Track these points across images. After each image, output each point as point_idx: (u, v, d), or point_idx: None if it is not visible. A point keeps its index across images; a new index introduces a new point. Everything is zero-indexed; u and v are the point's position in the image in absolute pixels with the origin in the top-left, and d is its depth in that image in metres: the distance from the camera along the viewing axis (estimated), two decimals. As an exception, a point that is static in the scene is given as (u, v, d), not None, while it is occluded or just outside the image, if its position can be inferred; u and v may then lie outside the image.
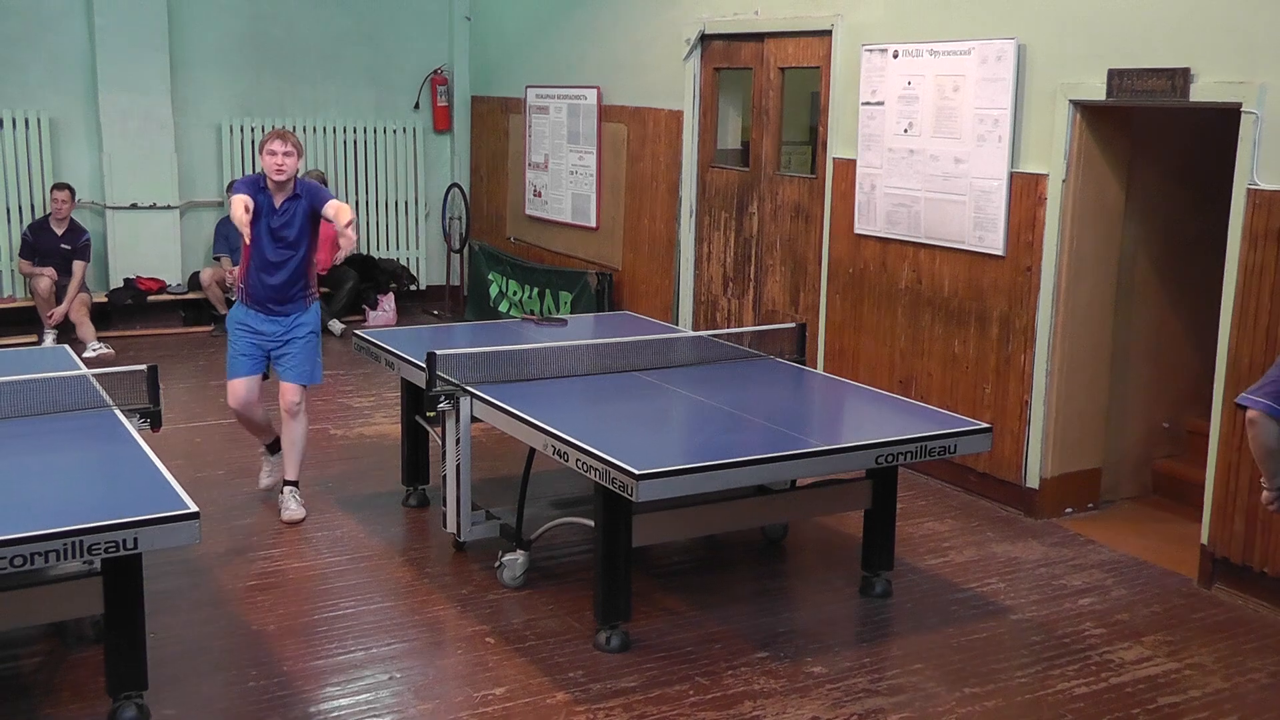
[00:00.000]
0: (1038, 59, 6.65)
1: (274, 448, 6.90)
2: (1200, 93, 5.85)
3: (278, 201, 6.37)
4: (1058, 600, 5.80)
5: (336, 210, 6.23)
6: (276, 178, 6.32)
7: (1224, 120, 5.89)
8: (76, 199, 10.85)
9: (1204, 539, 5.98)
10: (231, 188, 6.30)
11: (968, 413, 6.60)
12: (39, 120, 11.01)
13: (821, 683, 4.90)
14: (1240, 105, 5.67)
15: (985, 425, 5.53)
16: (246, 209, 6.09)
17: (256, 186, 6.34)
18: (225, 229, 11.31)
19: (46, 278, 10.49)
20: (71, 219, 10.71)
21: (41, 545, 3.90)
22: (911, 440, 5.23)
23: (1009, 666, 5.12)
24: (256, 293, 6.52)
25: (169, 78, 11.34)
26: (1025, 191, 6.75)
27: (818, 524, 6.63)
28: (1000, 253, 6.90)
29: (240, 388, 6.61)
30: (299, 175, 6.43)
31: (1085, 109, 6.49)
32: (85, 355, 9.86)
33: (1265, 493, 4.02)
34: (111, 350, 10.32)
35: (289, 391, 6.63)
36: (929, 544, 6.45)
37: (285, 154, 6.29)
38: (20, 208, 11.04)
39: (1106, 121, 6.57)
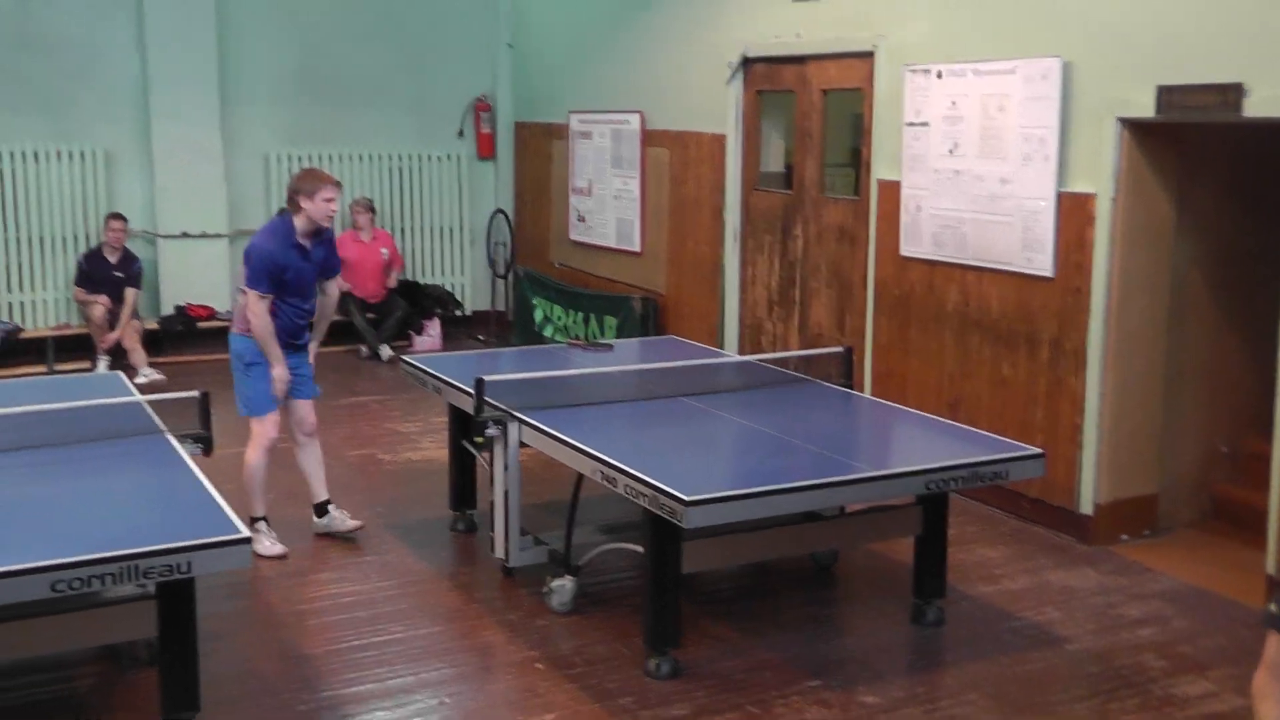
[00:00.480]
0: (1084, 76, 6.60)
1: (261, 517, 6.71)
2: (1253, 108, 5.78)
3: (309, 244, 6.40)
4: (1115, 630, 5.70)
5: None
6: (327, 225, 6.43)
7: (1277, 135, 5.82)
8: (129, 228, 10.98)
9: (1269, 567, 5.85)
10: (266, 255, 6.27)
11: (1018, 437, 6.53)
12: (93, 153, 11.22)
13: (875, 713, 4.84)
14: (1294, 122, 5.61)
15: (1038, 450, 5.47)
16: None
17: (287, 242, 6.32)
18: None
19: (100, 305, 10.62)
20: (125, 247, 10.85)
21: (97, 569, 3.94)
22: (963, 466, 5.19)
23: (1066, 699, 5.03)
24: (289, 328, 6.50)
25: (219, 110, 11.52)
26: (1073, 211, 6.70)
27: (868, 550, 6.58)
28: (1049, 274, 6.84)
29: (277, 419, 6.62)
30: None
31: (1134, 126, 6.44)
32: (137, 381, 9.92)
33: None
34: (163, 376, 10.41)
35: (308, 410, 6.74)
36: (981, 571, 6.37)
37: (336, 202, 6.41)
38: (75, 237, 11.22)
39: (1156, 139, 6.51)
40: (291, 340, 6.54)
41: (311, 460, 6.74)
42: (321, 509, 6.74)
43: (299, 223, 6.33)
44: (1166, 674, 5.25)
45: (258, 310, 6.25)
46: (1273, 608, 3.26)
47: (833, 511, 5.78)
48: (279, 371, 6.42)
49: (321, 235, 6.48)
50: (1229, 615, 5.87)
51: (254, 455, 6.56)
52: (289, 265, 6.30)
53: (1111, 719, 4.87)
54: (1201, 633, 5.68)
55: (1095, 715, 4.90)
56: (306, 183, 6.34)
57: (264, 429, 6.56)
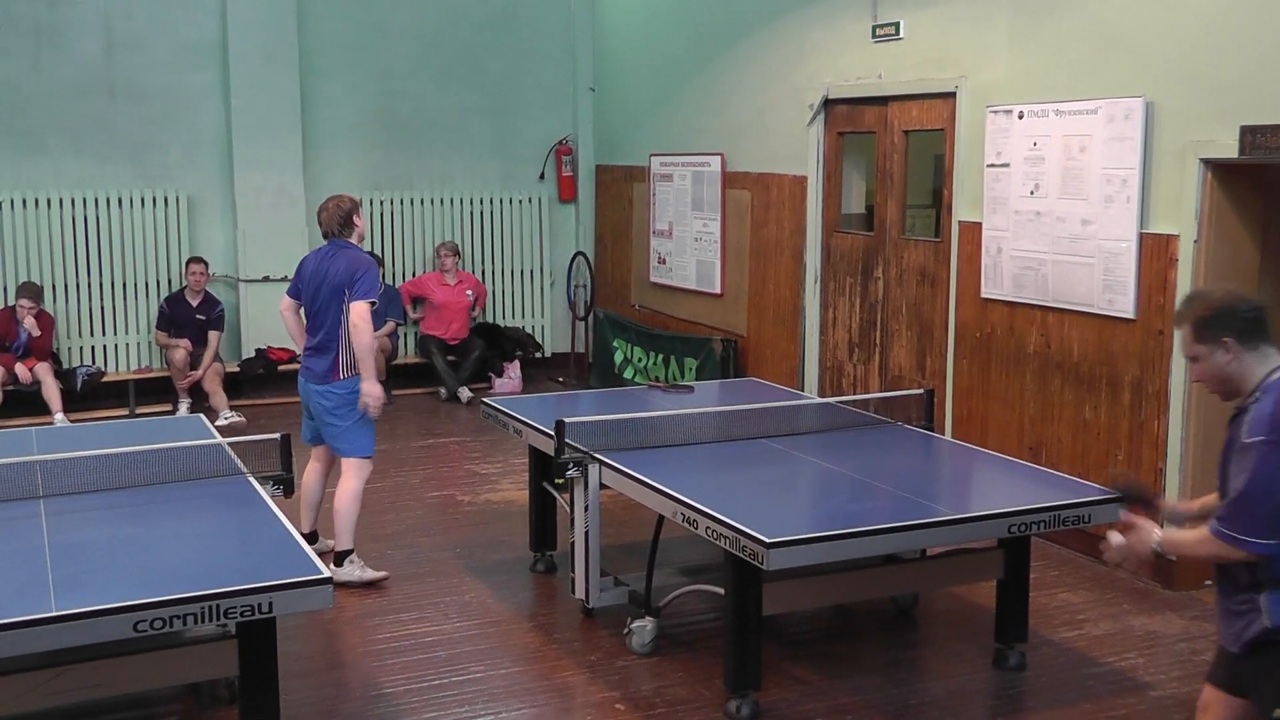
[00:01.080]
0: (1166, 117, 6.55)
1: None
2: (1340, 149, 5.71)
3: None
4: (1199, 677, 5.52)
5: None
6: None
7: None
8: (211, 272, 11.19)
9: (1353, 609, 5.75)
10: (375, 265, 6.79)
11: (1100, 480, 6.45)
12: (177, 198, 11.39)
13: (954, 754, 4.80)
14: (1382, 161, 5.52)
15: (1119, 494, 5.39)
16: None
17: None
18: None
19: (182, 349, 10.80)
20: (206, 291, 11.05)
21: (179, 609, 3.99)
22: (1044, 509, 5.14)
23: (1151, 741, 4.97)
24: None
25: (301, 155, 11.68)
26: (1155, 252, 6.63)
27: (949, 594, 6.51)
28: (1131, 315, 6.77)
29: None
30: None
31: (1216, 167, 6.37)
32: (218, 423, 10.10)
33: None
34: (243, 418, 10.55)
35: None
36: (1063, 615, 6.29)
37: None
38: (158, 282, 11.40)
39: (1239, 179, 6.44)
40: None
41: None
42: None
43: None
44: None
45: (369, 320, 6.56)
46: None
47: (914, 554, 5.74)
48: (376, 388, 6.67)
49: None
50: (1318, 662, 5.76)
51: (358, 490, 6.75)
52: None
53: (1197, 767, 4.79)
54: (1289, 679, 5.57)
55: (1181, 763, 4.83)
56: (349, 203, 6.78)
57: (368, 466, 6.86)
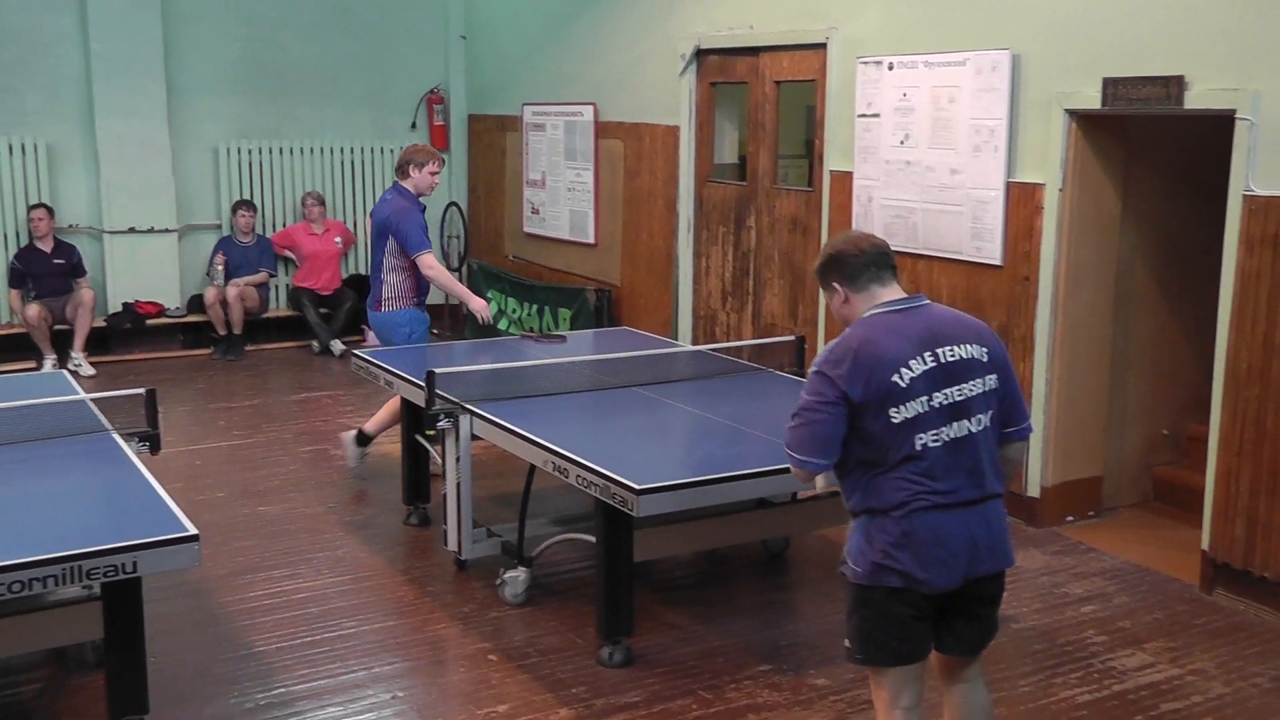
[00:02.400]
0: (1032, 69, 6.66)
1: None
2: (1195, 100, 5.85)
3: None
4: (1060, 608, 5.80)
5: None
6: (428, 193, 7.44)
7: (1219, 127, 5.90)
8: (73, 223, 10.94)
9: (1205, 545, 5.98)
10: (417, 215, 7.31)
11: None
12: (35, 146, 11.01)
13: (825, 694, 4.89)
14: (1235, 112, 5.68)
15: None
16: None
17: (417, 205, 7.36)
18: (227, 249, 11.39)
19: (35, 305, 10.51)
20: (56, 237, 10.73)
21: (41, 570, 3.89)
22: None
23: (1012, 675, 5.11)
24: (424, 286, 7.43)
25: (165, 102, 11.36)
26: (1022, 201, 6.76)
27: (819, 536, 6.62)
28: (998, 262, 6.90)
29: None
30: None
31: (1081, 118, 6.50)
32: (71, 365, 10.23)
33: None
34: (94, 370, 10.46)
35: None
36: (931, 555, 6.43)
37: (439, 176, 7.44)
38: (18, 235, 11.03)
39: (1102, 130, 6.58)
40: (421, 298, 7.46)
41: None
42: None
43: (413, 192, 7.33)
44: (1107, 648, 5.38)
45: (436, 264, 7.30)
46: (846, 643, 3.71)
47: (784, 498, 5.80)
48: (481, 303, 7.48)
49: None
50: (1167, 591, 6.02)
51: (398, 404, 7.05)
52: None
53: (1054, 693, 4.96)
54: (1140, 608, 5.82)
55: (1039, 690, 4.99)
56: (419, 155, 7.36)
57: None
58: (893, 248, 7.25)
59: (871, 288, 3.73)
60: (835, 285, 3.81)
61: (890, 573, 3.57)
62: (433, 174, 7.32)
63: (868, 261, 3.73)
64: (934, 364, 3.57)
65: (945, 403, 3.57)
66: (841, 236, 3.92)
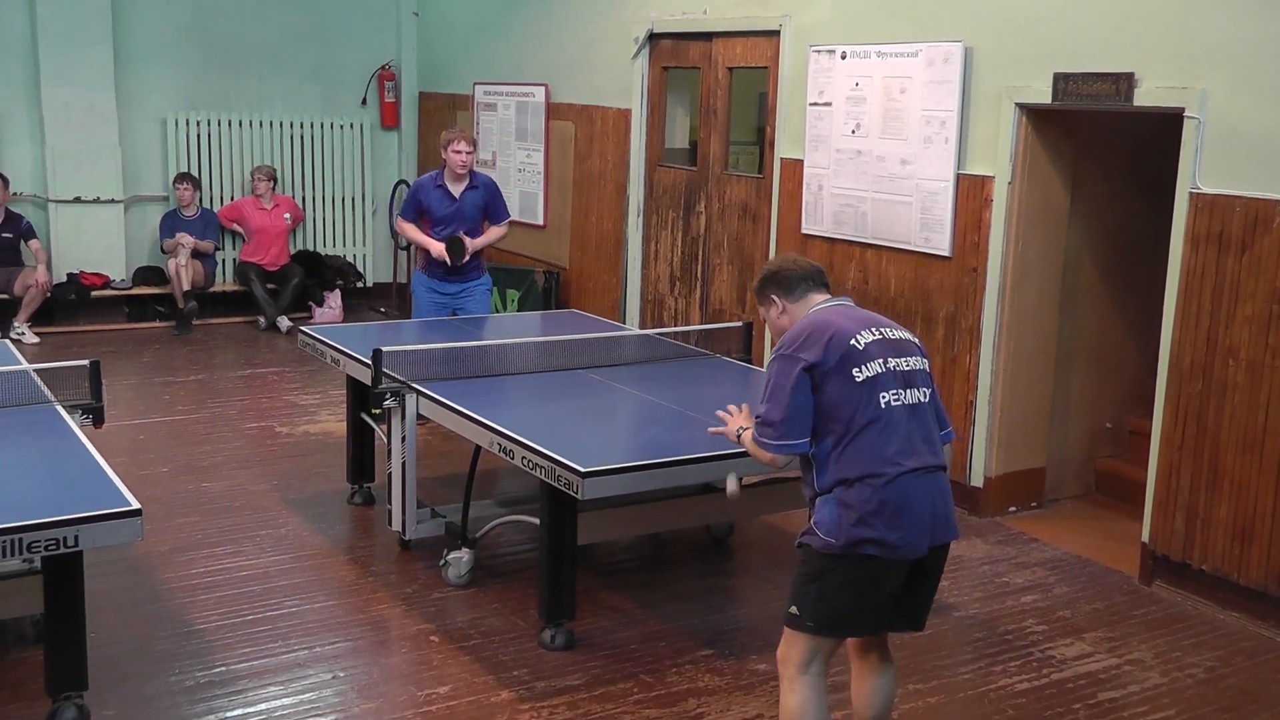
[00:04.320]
0: (984, 62, 6.70)
1: None
2: (1144, 97, 5.91)
3: (456, 189, 7.75)
4: (1001, 598, 5.85)
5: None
6: (461, 172, 7.72)
7: (1167, 125, 5.96)
8: (17, 191, 10.78)
9: (1145, 537, 6.06)
10: (413, 187, 8.00)
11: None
12: (-22, 113, 10.85)
13: (766, 680, 4.91)
14: (1183, 110, 5.73)
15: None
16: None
17: (432, 183, 7.81)
18: (172, 223, 11.30)
19: None
20: (6, 208, 10.58)
21: (-20, 543, 3.83)
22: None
23: (952, 663, 5.16)
24: (434, 263, 7.77)
25: (112, 70, 11.21)
26: (971, 193, 6.80)
27: (763, 522, 6.65)
28: (946, 254, 6.94)
29: None
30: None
31: (1031, 112, 6.55)
32: (13, 335, 10.13)
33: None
34: (37, 339, 10.35)
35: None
36: (874, 542, 6.47)
37: (469, 152, 7.69)
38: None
39: (1052, 125, 6.63)
40: (450, 274, 7.77)
41: None
42: None
43: (446, 171, 7.73)
44: (1047, 637, 5.43)
45: (400, 228, 8.04)
46: (793, 609, 3.77)
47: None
48: (439, 246, 7.69)
49: (474, 183, 7.79)
50: (1106, 582, 6.09)
51: None
52: (430, 203, 7.74)
53: (994, 681, 5.01)
54: (1080, 598, 5.88)
55: (979, 678, 5.03)
56: (443, 137, 7.77)
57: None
58: (842, 236, 7.33)
59: (809, 295, 3.95)
60: (773, 298, 4.01)
61: (867, 541, 3.65)
62: (455, 151, 7.62)
63: (804, 275, 3.97)
64: (880, 336, 3.79)
65: (898, 369, 3.76)
66: (778, 257, 4.16)
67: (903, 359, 3.78)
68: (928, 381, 3.85)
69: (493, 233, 7.99)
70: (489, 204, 7.91)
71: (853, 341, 3.71)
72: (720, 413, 4.31)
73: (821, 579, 3.74)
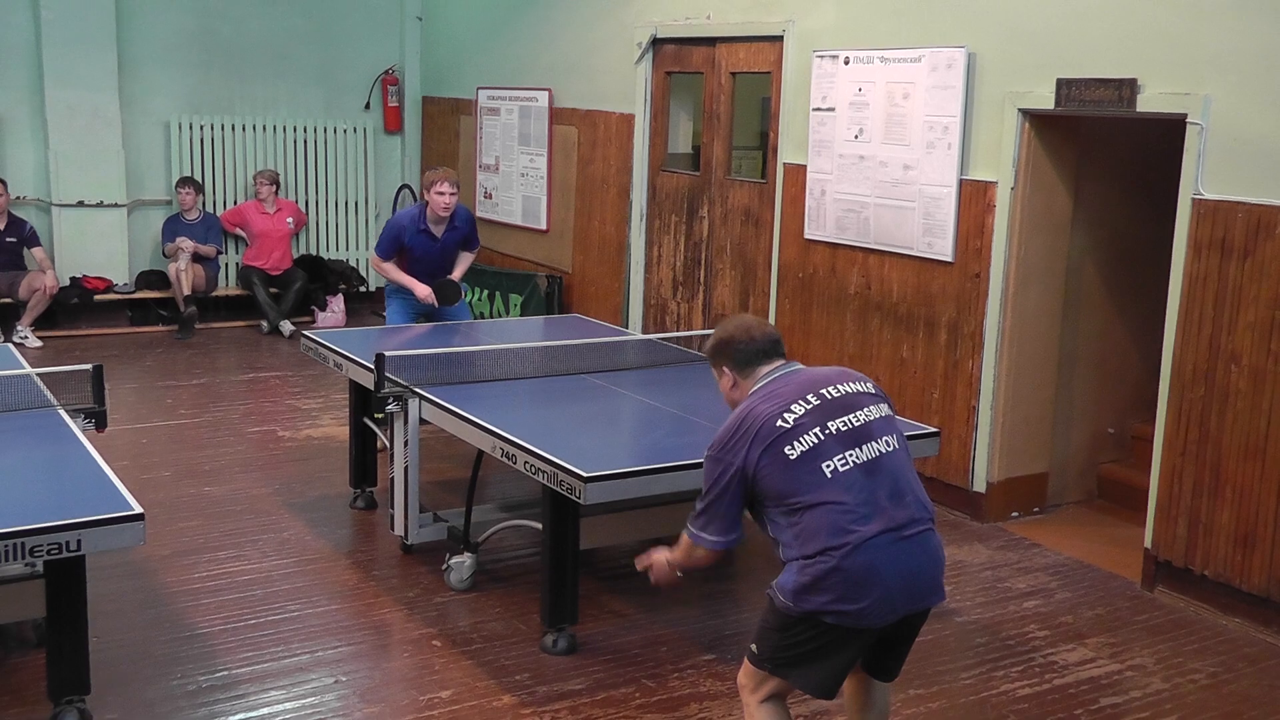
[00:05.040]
0: (987, 68, 6.70)
1: None
2: (1147, 103, 5.91)
3: (438, 230, 7.68)
4: (1003, 603, 5.85)
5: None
6: (444, 214, 7.62)
7: (1170, 131, 5.96)
8: (20, 195, 10.80)
9: (1147, 542, 6.05)
10: (392, 224, 7.79)
11: (915, 417, 6.65)
12: (-18, 116, 10.87)
13: (768, 686, 4.91)
14: (1185, 116, 5.74)
15: (933, 430, 5.57)
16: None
17: (415, 225, 7.64)
18: (174, 227, 11.30)
19: None
20: (9, 212, 10.59)
21: (-18, 547, 3.83)
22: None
23: (954, 668, 5.16)
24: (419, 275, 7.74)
25: (116, 74, 11.23)
26: (974, 199, 6.80)
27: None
28: (949, 259, 6.94)
29: None
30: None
31: (1034, 118, 6.55)
32: (16, 339, 10.17)
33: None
34: (40, 342, 10.36)
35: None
36: (876, 548, 6.46)
37: (452, 194, 7.59)
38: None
39: (1055, 130, 6.63)
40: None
41: None
42: None
43: (428, 211, 7.61)
44: (1049, 643, 5.43)
45: (378, 267, 7.75)
46: (753, 648, 3.70)
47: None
48: (424, 290, 7.68)
49: (454, 222, 7.70)
50: (1108, 588, 6.09)
51: None
52: (413, 244, 7.64)
53: (995, 686, 5.01)
54: (1082, 604, 5.88)
55: (981, 683, 5.03)
56: (425, 178, 7.67)
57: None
58: (844, 241, 7.34)
59: (757, 369, 3.82)
60: (725, 370, 3.91)
61: (825, 612, 3.53)
62: (439, 193, 7.52)
63: (757, 350, 3.83)
64: (818, 401, 3.65)
65: (843, 429, 3.61)
66: (735, 322, 3.94)
67: (847, 415, 3.64)
68: (890, 428, 3.70)
69: (465, 260, 7.99)
70: (466, 239, 7.90)
71: (779, 423, 3.58)
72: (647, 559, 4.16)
73: (781, 633, 3.65)
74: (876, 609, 3.52)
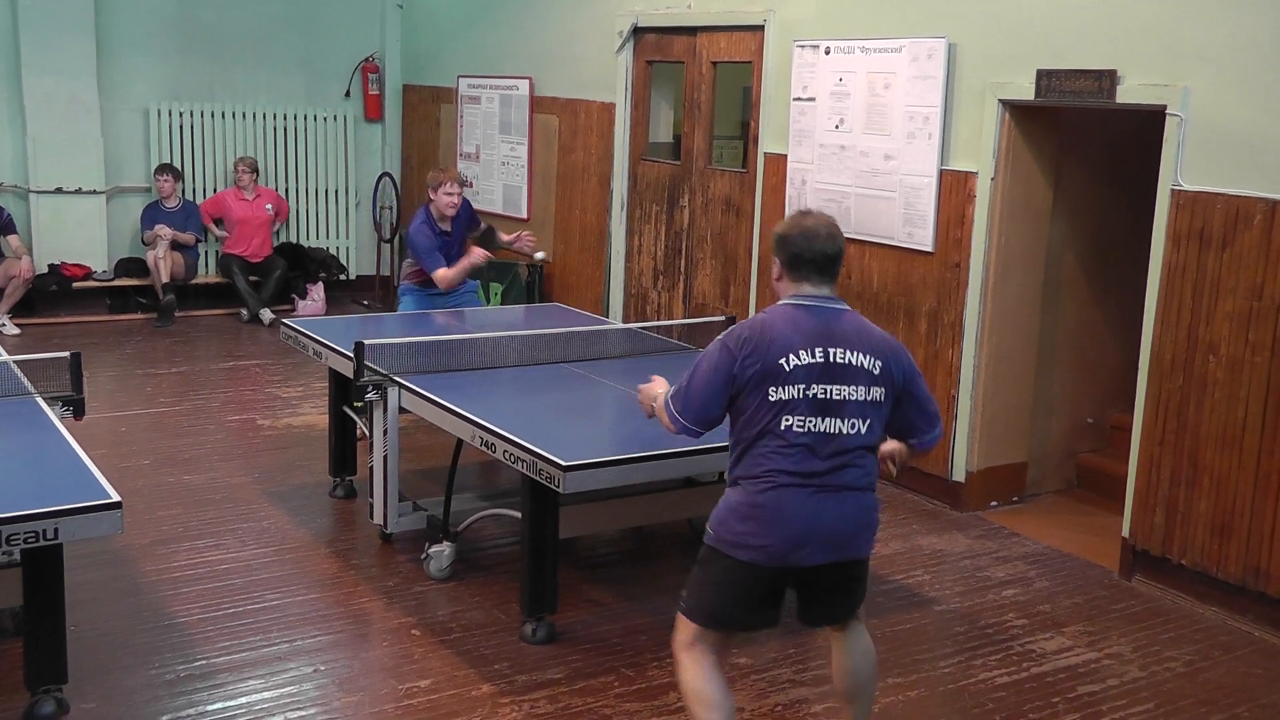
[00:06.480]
0: (968, 58, 6.71)
1: None
2: (1126, 94, 5.93)
3: (448, 226, 7.66)
4: (981, 592, 5.87)
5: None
6: (450, 213, 7.62)
7: (1149, 122, 5.98)
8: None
9: (1125, 531, 6.08)
10: (426, 236, 7.62)
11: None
12: (-42, 102, 10.79)
13: (746, 674, 4.92)
14: (1165, 107, 5.76)
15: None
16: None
17: (434, 228, 7.61)
18: (153, 215, 11.25)
19: None
20: None
21: (-42, 535, 3.81)
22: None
23: (933, 657, 5.18)
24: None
25: (95, 60, 11.15)
26: (954, 189, 6.82)
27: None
28: (929, 249, 6.96)
29: None
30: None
31: (1014, 108, 6.56)
32: None
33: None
34: (18, 330, 10.30)
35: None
36: (855, 537, 6.48)
37: (459, 194, 7.65)
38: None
39: (1035, 121, 6.65)
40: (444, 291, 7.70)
41: None
42: None
43: (434, 211, 7.60)
44: (1027, 631, 5.45)
45: (446, 277, 7.55)
46: (683, 592, 3.85)
47: (711, 477, 5.83)
48: (480, 252, 7.68)
49: (459, 215, 7.68)
50: (1086, 576, 6.12)
51: None
52: (439, 244, 7.59)
53: (974, 674, 5.03)
54: (1060, 592, 5.91)
55: (959, 671, 5.05)
56: (432, 179, 7.65)
57: None
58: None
59: (803, 284, 3.83)
60: (777, 260, 3.90)
61: (738, 545, 3.73)
62: (448, 194, 7.55)
63: (810, 260, 3.80)
64: (821, 359, 3.70)
65: (820, 396, 3.69)
66: (808, 222, 3.88)
67: (835, 386, 3.70)
68: (866, 413, 3.74)
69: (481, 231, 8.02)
70: (470, 219, 7.91)
71: (782, 361, 3.68)
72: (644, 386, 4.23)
73: (704, 568, 3.84)
74: (779, 549, 3.69)
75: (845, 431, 3.71)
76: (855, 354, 3.74)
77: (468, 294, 7.91)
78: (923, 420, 3.95)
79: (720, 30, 8.42)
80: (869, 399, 3.75)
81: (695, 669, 3.86)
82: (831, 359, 3.71)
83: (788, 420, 3.67)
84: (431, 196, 7.61)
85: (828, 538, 3.73)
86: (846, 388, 3.71)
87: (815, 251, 3.80)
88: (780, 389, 3.67)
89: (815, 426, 3.68)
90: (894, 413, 3.86)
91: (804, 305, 3.80)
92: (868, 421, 3.75)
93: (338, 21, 12.38)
